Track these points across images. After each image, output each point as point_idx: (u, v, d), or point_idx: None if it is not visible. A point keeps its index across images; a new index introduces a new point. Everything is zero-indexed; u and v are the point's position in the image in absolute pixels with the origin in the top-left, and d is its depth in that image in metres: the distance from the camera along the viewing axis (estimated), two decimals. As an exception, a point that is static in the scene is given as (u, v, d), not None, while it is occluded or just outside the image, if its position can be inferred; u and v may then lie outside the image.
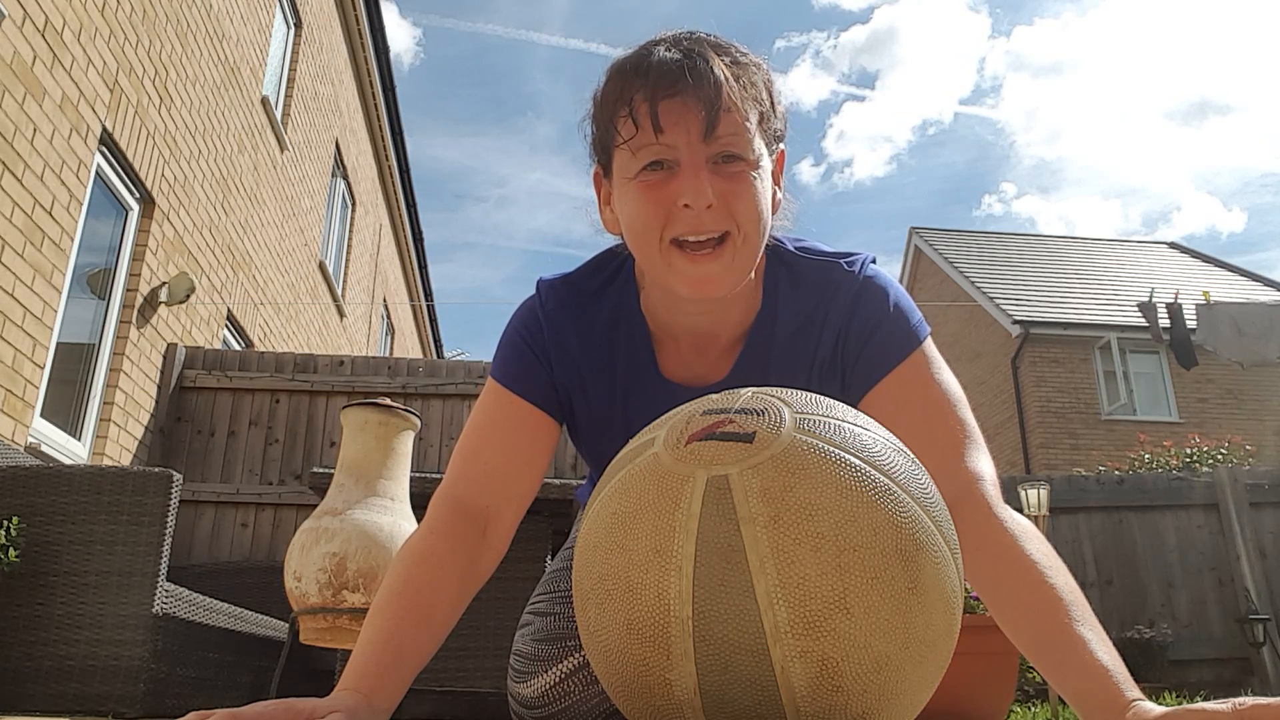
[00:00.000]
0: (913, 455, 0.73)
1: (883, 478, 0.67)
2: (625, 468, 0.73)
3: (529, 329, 1.12)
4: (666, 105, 0.93)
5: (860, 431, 0.70)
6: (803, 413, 0.71)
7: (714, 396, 0.77)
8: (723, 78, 0.94)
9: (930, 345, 1.06)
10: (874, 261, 1.11)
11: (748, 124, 0.96)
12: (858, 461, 0.67)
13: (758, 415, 0.70)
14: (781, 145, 1.06)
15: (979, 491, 0.94)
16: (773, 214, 1.02)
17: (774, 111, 1.02)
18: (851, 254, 1.11)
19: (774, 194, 1.03)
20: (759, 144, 0.98)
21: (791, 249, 1.11)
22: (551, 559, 2.97)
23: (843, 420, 0.71)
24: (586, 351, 1.11)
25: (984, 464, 0.98)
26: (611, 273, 1.13)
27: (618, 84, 0.98)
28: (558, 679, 1.21)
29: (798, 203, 1.12)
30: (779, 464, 0.65)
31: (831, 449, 0.67)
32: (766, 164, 0.99)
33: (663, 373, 1.11)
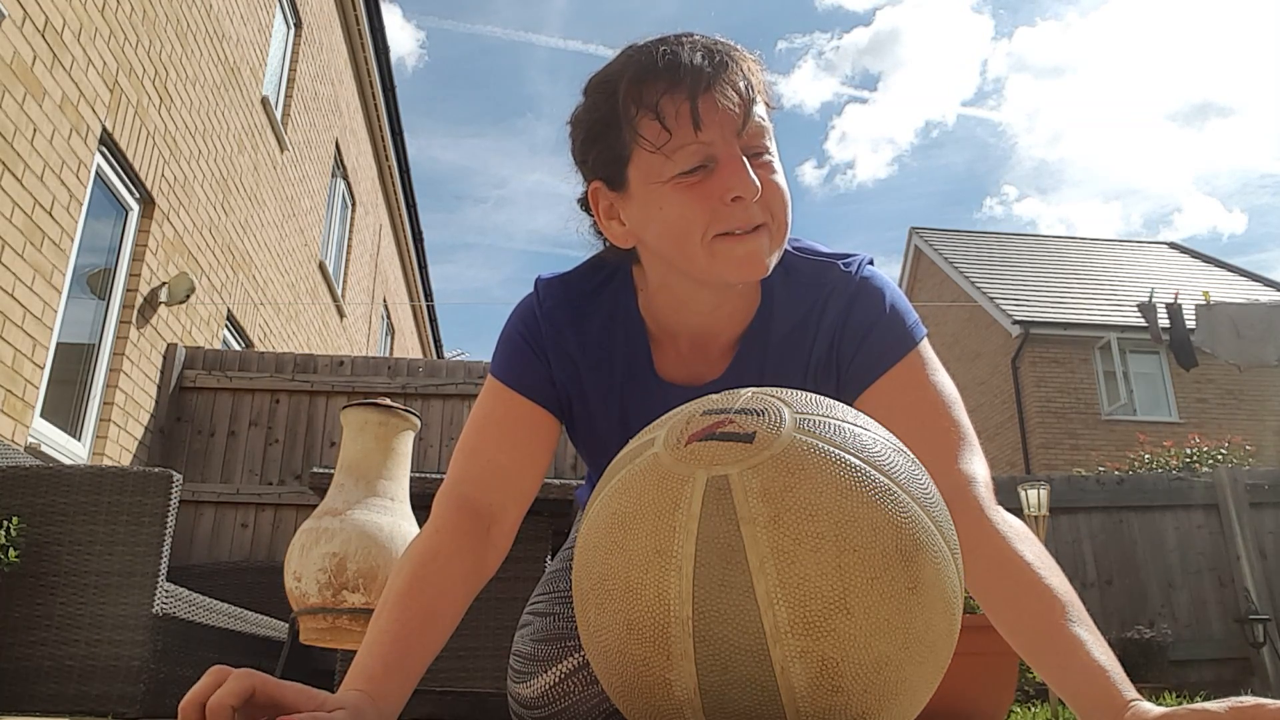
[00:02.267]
0: (913, 456, 0.73)
1: (883, 478, 0.67)
2: (625, 468, 0.73)
3: (528, 326, 1.12)
4: (703, 103, 0.94)
5: (860, 432, 0.70)
6: (803, 413, 0.71)
7: (714, 396, 0.77)
8: (749, 72, 0.97)
9: (926, 347, 1.06)
10: (871, 262, 1.12)
11: (765, 116, 0.98)
12: (858, 462, 0.67)
13: (758, 415, 0.70)
14: None
15: (971, 493, 0.94)
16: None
17: (769, 104, 1.03)
18: (848, 255, 1.11)
19: None
20: (772, 133, 1.00)
21: (789, 249, 1.11)
22: (551, 559, 2.97)
23: (843, 420, 0.71)
24: (584, 350, 1.12)
25: (977, 466, 0.98)
26: (608, 273, 1.13)
27: (635, 91, 0.96)
28: (557, 679, 1.21)
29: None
30: (779, 464, 0.65)
31: (831, 449, 0.67)
32: (777, 153, 1.01)
33: (659, 373, 1.12)
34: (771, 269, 1.00)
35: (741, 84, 0.95)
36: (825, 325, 1.08)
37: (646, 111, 0.95)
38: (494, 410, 1.10)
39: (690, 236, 0.96)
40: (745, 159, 0.95)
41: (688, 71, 0.94)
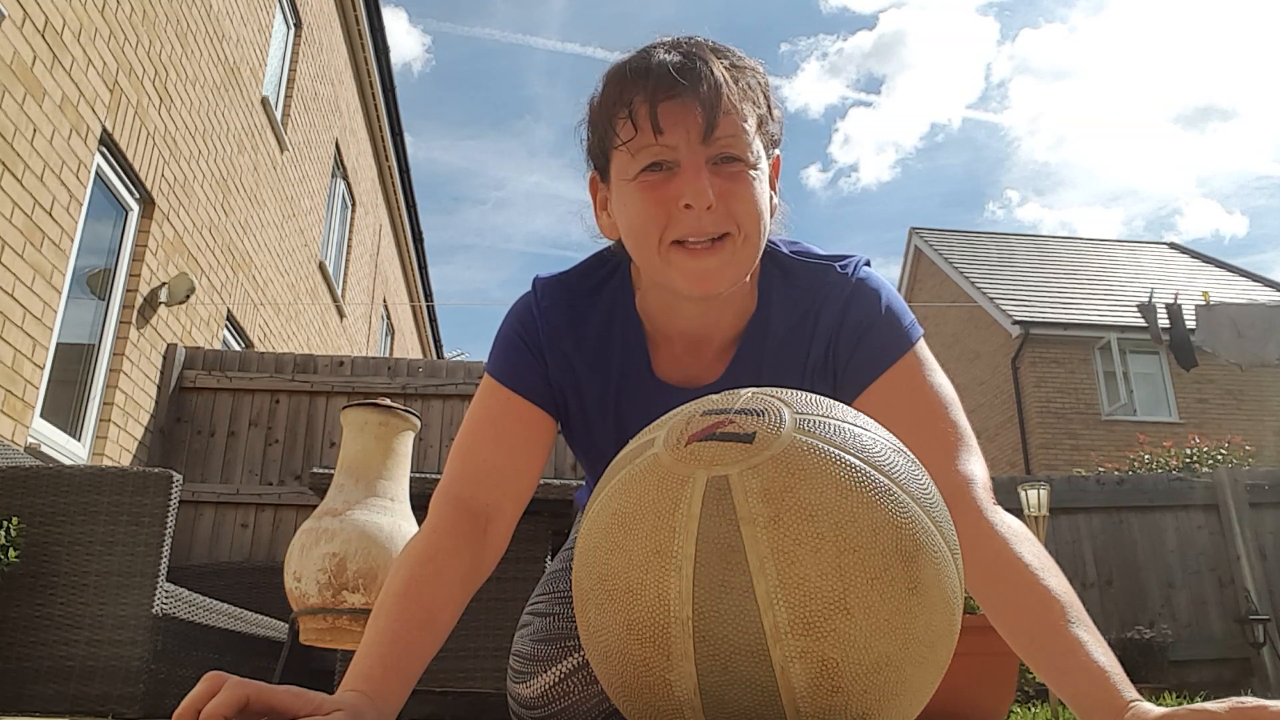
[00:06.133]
0: (913, 456, 0.73)
1: (883, 478, 0.67)
2: (625, 468, 0.73)
3: (525, 325, 1.12)
4: (666, 107, 0.94)
5: (860, 432, 0.70)
6: (803, 413, 0.71)
7: (714, 397, 0.77)
8: (721, 79, 0.95)
9: (923, 347, 1.06)
10: (868, 264, 1.11)
11: (746, 126, 0.96)
12: (857, 462, 0.67)
13: (758, 415, 0.70)
14: (778, 151, 1.07)
15: (970, 494, 0.94)
16: (770, 217, 1.03)
17: (771, 116, 1.02)
18: (845, 256, 1.11)
19: (770, 199, 1.03)
20: (757, 146, 0.98)
21: (786, 252, 1.11)
22: (551, 559, 2.96)
23: (842, 421, 0.71)
24: (581, 350, 1.11)
25: (975, 467, 0.97)
26: (607, 273, 1.13)
27: (616, 88, 0.98)
28: (557, 679, 1.21)
29: (790, 207, 1.13)
30: (779, 464, 0.65)
31: (831, 449, 0.67)
32: (764, 166, 1.00)
33: (656, 374, 1.11)
34: (736, 282, 0.99)
35: (707, 89, 0.94)
36: (822, 328, 1.08)
37: (621, 109, 0.97)
38: (490, 410, 1.10)
39: (647, 238, 0.97)
40: (711, 165, 0.94)
41: (653, 73, 0.95)
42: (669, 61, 0.95)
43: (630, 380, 1.12)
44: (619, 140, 0.97)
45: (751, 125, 0.97)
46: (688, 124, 0.94)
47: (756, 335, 1.09)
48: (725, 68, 0.97)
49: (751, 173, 0.97)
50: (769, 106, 1.02)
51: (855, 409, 1.04)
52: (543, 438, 1.11)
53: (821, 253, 1.12)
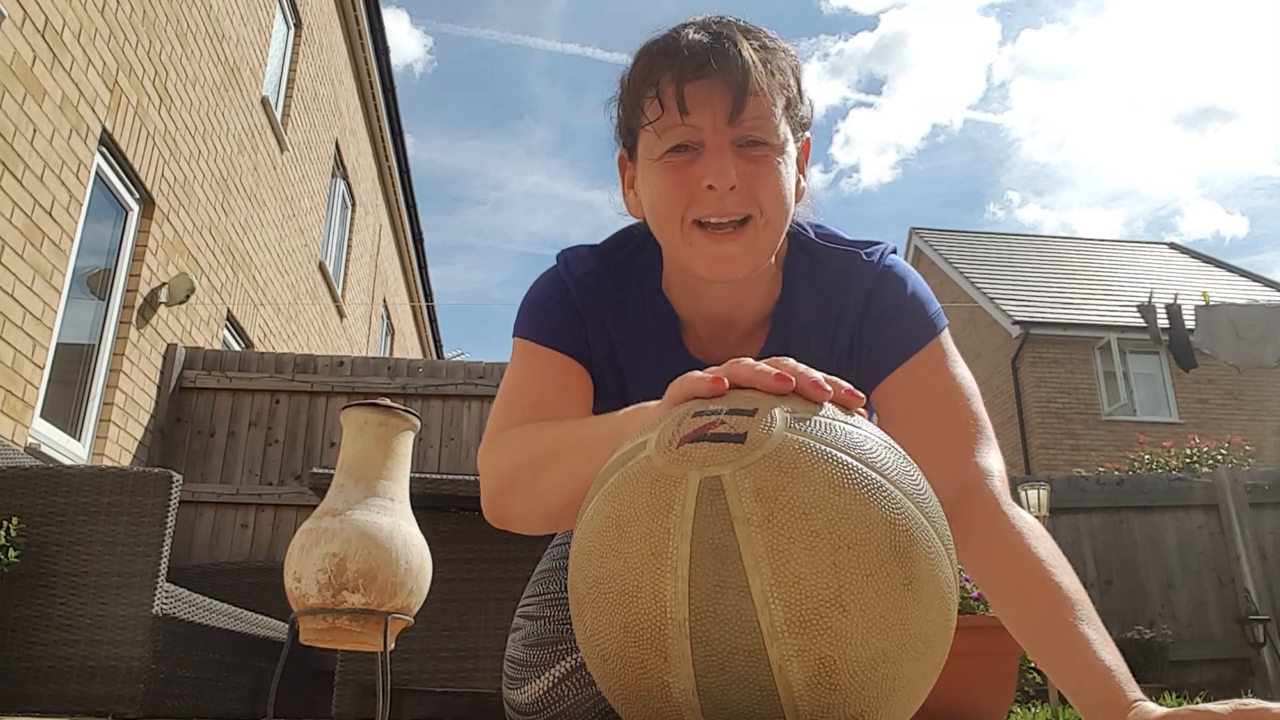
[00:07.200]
0: (905, 452, 0.73)
1: (875, 475, 0.66)
2: (618, 471, 0.73)
3: (557, 291, 1.10)
4: (693, 87, 0.93)
5: (852, 430, 0.70)
6: (794, 412, 0.71)
7: (705, 398, 0.76)
8: (750, 61, 0.94)
9: (946, 337, 1.05)
10: (894, 251, 1.11)
11: (774, 109, 0.95)
12: (850, 459, 0.67)
13: (749, 415, 0.70)
14: (807, 133, 1.05)
15: (987, 487, 0.93)
16: (796, 201, 1.02)
17: (800, 98, 1.01)
18: (872, 243, 1.10)
19: (798, 181, 1.03)
20: (784, 129, 0.97)
21: (813, 236, 1.10)
22: (551, 559, 2.96)
23: (834, 419, 0.71)
24: (618, 320, 1.09)
25: (993, 460, 0.97)
26: (634, 250, 1.12)
27: (645, 66, 0.97)
28: (551, 684, 1.20)
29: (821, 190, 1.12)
30: (771, 463, 0.65)
31: (824, 447, 0.67)
32: (791, 150, 0.99)
33: (691, 352, 1.10)
34: (756, 267, 0.98)
35: (735, 71, 0.93)
36: (847, 315, 1.07)
37: (649, 88, 0.96)
38: (529, 367, 1.05)
39: (671, 216, 0.96)
40: (735, 148, 0.94)
41: (681, 55, 0.94)
42: (698, 41, 0.94)
43: (664, 358, 1.09)
44: (645, 120, 0.96)
45: (779, 108, 0.96)
46: (714, 105, 0.93)
47: (783, 319, 1.08)
48: (754, 49, 0.96)
49: (777, 157, 0.96)
50: (799, 89, 1.00)
51: (876, 396, 1.04)
52: (588, 395, 1.06)
53: (848, 238, 1.11)
